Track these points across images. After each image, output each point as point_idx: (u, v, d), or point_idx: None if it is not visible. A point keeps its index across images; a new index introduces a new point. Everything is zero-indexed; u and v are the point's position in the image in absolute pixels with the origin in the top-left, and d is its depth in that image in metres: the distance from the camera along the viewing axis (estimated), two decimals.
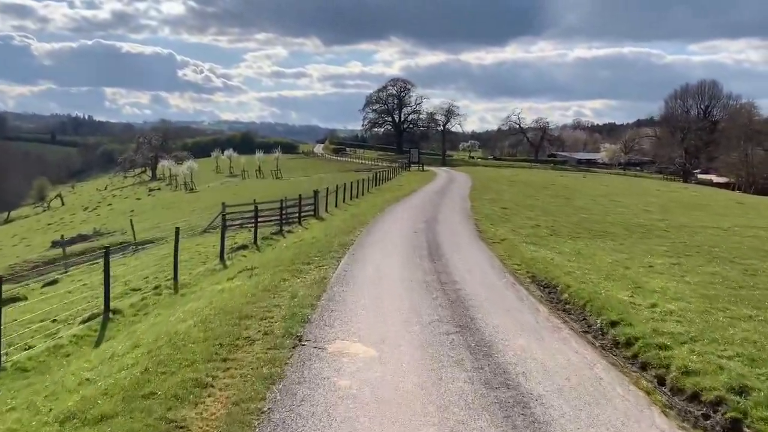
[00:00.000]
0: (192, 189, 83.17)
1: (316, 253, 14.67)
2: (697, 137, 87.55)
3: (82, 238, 47.38)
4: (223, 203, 30.80)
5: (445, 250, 15.36)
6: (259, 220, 30.87)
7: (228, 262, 17.87)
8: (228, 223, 29.86)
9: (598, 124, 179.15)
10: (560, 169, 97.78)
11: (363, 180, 45.08)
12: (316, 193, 29.69)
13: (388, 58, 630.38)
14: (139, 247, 30.82)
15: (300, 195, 28.34)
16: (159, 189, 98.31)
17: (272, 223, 29.01)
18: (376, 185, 48.80)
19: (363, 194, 41.41)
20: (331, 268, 12.97)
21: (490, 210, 26.65)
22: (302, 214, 30.03)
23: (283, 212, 30.87)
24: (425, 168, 75.48)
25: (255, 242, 21.43)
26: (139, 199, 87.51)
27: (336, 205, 34.34)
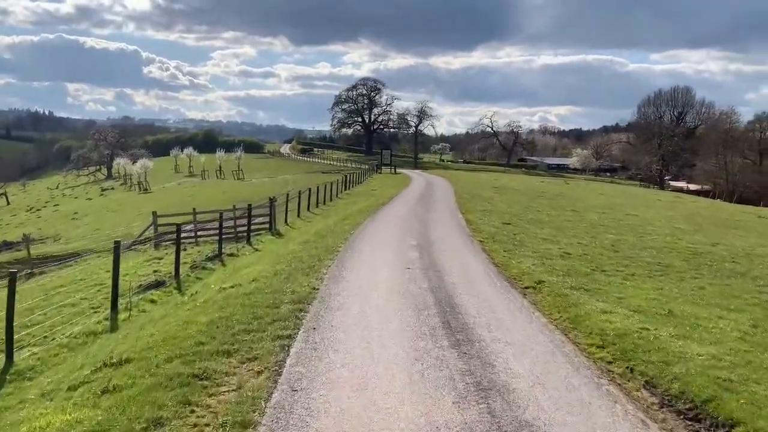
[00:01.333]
0: (146, 189, 75.61)
1: (249, 323, 8.29)
2: (674, 144, 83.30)
3: (7, 246, 39.70)
4: (153, 213, 24.22)
5: (468, 316, 9.12)
6: (198, 234, 24.30)
7: (122, 318, 11.33)
8: (156, 239, 23.23)
9: (564, 130, 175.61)
10: (534, 174, 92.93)
11: (331, 183, 38.74)
12: (272, 201, 23.22)
13: (358, 60, 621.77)
14: (47, 264, 23.82)
15: (250, 205, 21.85)
16: (112, 189, 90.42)
17: (216, 238, 22.69)
18: (346, 189, 42.46)
19: (332, 199, 35.03)
20: (270, 373, 6.60)
21: (492, 227, 20.61)
22: (255, 227, 23.60)
23: (233, 223, 24.38)
24: (397, 170, 69.36)
25: (177, 276, 14.88)
26: (90, 199, 79.72)
27: (299, 215, 27.94)
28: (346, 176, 46.96)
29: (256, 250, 18.72)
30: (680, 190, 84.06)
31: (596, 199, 36.58)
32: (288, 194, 27.64)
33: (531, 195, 36.34)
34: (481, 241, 17.28)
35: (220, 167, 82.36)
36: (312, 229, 21.39)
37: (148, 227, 25.17)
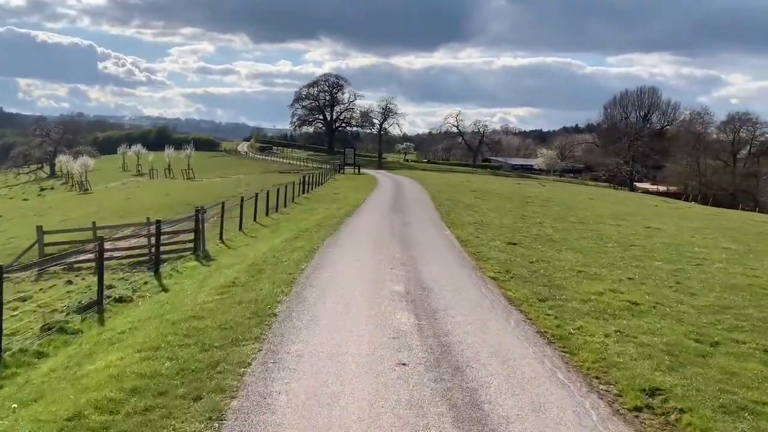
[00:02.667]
0: (86, 189, 67.58)
1: None
2: (644, 144, 79.28)
3: None
4: (38, 228, 17.64)
5: None
6: (111, 256, 17.85)
7: None
8: (40, 265, 16.60)
9: (524, 131, 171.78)
10: (501, 175, 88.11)
11: (288, 185, 32.51)
12: (199, 213, 16.86)
13: (319, 59, 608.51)
14: None
15: (159, 222, 15.49)
16: (52, 188, 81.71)
17: (129, 262, 16.54)
18: (304, 192, 36.19)
19: (286, 205, 28.76)
20: None
21: (497, 250, 14.74)
22: (181, 246, 17.39)
23: (148, 242, 18.04)
24: (361, 171, 63.17)
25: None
26: (26, 200, 71.22)
27: (241, 227, 21.63)
28: (304, 177, 40.65)
29: (160, 290, 12.42)
30: (647, 191, 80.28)
31: (593, 205, 31.14)
32: (221, 206, 21.42)
33: (517, 201, 30.69)
34: (495, 279, 11.36)
35: (169, 166, 74.76)
36: (251, 253, 15.13)
37: (29, 248, 18.49)
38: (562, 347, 7.53)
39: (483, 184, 47.29)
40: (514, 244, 16.20)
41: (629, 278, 12.39)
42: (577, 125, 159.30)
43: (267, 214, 25.78)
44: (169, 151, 76.46)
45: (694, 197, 66.39)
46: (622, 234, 19.62)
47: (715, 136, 75.01)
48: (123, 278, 15.45)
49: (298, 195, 34.09)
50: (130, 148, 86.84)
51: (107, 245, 19.77)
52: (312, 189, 39.68)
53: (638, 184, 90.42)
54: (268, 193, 27.75)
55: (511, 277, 11.65)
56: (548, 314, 9.00)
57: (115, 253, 18.37)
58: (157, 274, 13.85)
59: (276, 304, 8.63)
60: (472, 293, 10.01)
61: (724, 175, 70.69)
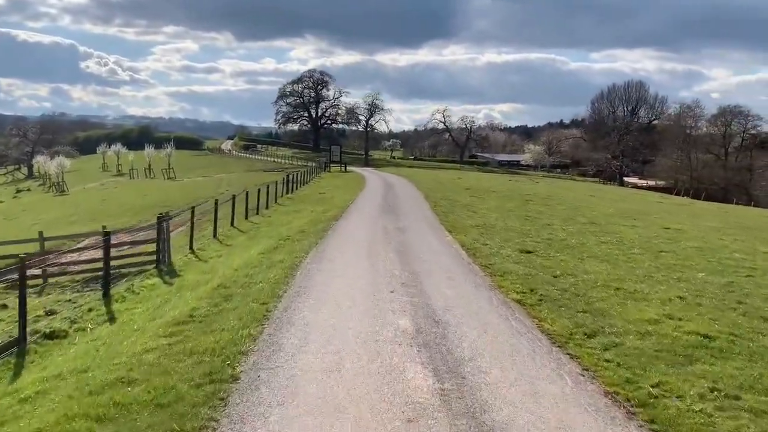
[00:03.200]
0: (63, 191, 64.37)
1: None
2: (634, 139, 77.46)
3: None
4: None
5: None
6: (66, 271, 15.41)
7: None
8: None
9: (509, 126, 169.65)
10: (489, 171, 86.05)
11: (271, 184, 30.03)
12: (162, 221, 14.33)
13: (303, 56, 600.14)
14: None
15: (108, 234, 12.90)
16: (29, 190, 78.31)
17: (83, 278, 14.15)
18: (288, 192, 33.67)
19: (268, 207, 26.26)
20: None
21: (511, 262, 12.40)
22: (140, 261, 14.93)
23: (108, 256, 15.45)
24: (347, 168, 60.63)
25: None
26: (1, 201, 68.06)
27: (216, 234, 19.15)
28: (288, 176, 38.11)
29: (106, 320, 9.94)
30: (636, 186, 78.44)
31: (597, 203, 28.92)
32: (191, 211, 18.98)
33: (516, 199, 28.41)
34: (521, 303, 9.01)
35: (150, 165, 71.70)
36: (221, 268, 12.65)
37: None
38: (649, 421, 5.18)
39: (475, 181, 45.02)
40: (529, 252, 13.87)
41: (679, 297, 10.09)
42: (562, 120, 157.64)
43: (246, 218, 23.27)
44: (150, 150, 73.32)
45: (685, 192, 64.61)
46: (643, 237, 17.38)
47: (705, 129, 73.28)
48: (70, 300, 12.92)
49: (281, 195, 31.57)
50: (110, 147, 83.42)
51: (64, 259, 17.24)
52: (297, 188, 37.17)
53: (626, 179, 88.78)
54: (247, 194, 25.25)
55: (540, 300, 9.31)
56: (608, 361, 6.64)
57: (72, 267, 15.82)
58: (107, 298, 11.34)
59: (240, 358, 6.18)
60: (501, 328, 7.62)
61: (714, 168, 69.00)
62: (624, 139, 77.98)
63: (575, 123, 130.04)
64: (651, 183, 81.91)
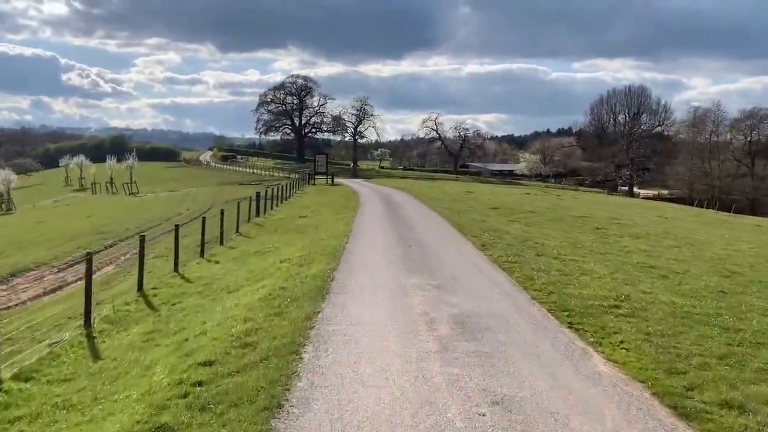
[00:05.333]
0: (9, 209, 54.54)
1: None
2: (645, 146, 69.38)
3: None
4: None
5: None
6: None
7: None
8: None
9: (496, 136, 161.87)
10: (487, 182, 77.80)
11: (241, 201, 21.21)
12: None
13: (287, 68, 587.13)
14: None
15: None
16: None
17: None
18: (259, 213, 24.70)
19: (223, 241, 17.25)
20: None
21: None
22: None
23: None
24: (335, 181, 51.61)
25: None
26: None
27: (142, 286, 9.99)
28: (265, 191, 29.11)
29: None
30: (648, 197, 70.60)
31: (693, 230, 20.27)
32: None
33: (579, 226, 19.62)
34: None
35: (111, 179, 62.09)
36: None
37: None
38: None
39: (491, 195, 36.29)
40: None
41: None
42: (548, 129, 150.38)
43: (203, 254, 14.41)
44: (111, 162, 63.69)
45: (701, 203, 56.34)
46: (741, 279, 8.67)
47: (726, 136, 65.30)
48: None
49: (248, 220, 22.54)
50: (71, 159, 73.66)
51: None
52: (273, 206, 28.16)
53: (627, 189, 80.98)
54: (204, 220, 16.39)
55: None
56: None
57: None
58: None
59: None
60: None
61: (738, 177, 60.98)
62: (633, 147, 69.84)
63: (566, 131, 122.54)
64: (658, 193, 74.14)
